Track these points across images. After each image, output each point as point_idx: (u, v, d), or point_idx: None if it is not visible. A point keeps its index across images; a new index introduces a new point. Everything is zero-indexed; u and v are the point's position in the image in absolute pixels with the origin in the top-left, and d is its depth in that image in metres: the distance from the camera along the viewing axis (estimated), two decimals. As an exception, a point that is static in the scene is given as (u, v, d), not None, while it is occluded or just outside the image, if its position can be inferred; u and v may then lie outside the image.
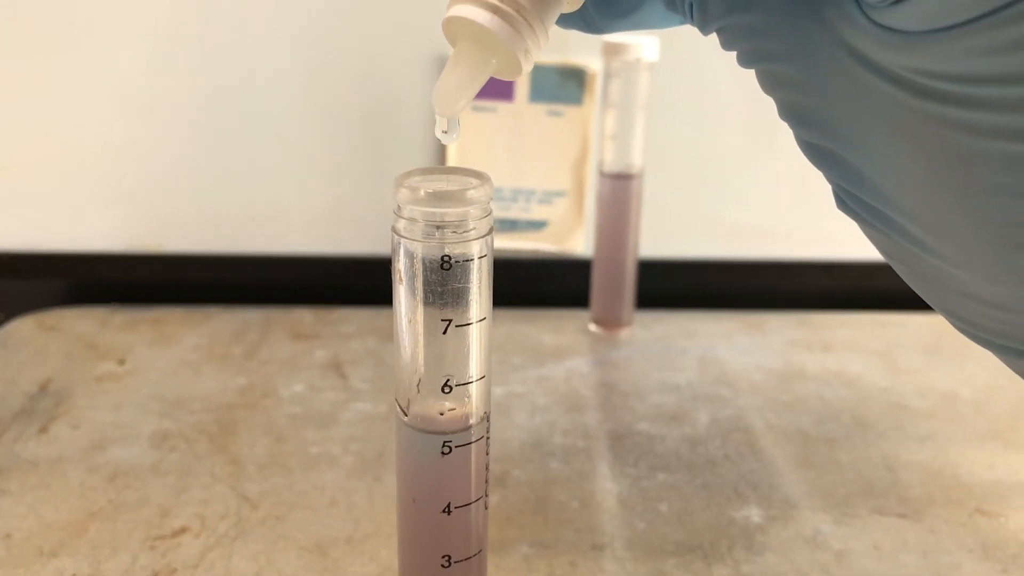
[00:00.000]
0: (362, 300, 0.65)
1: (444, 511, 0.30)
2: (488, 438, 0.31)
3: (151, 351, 0.58)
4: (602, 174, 0.59)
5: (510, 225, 0.66)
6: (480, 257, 0.28)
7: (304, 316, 0.63)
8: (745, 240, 0.67)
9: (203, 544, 0.41)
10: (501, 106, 0.64)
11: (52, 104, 0.62)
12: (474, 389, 0.30)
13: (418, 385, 0.29)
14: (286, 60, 0.62)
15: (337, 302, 0.65)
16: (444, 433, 0.30)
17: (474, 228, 0.28)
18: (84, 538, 0.41)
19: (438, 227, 0.27)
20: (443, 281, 0.28)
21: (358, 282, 0.65)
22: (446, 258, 0.28)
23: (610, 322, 0.61)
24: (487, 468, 0.31)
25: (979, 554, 0.42)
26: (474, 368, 0.29)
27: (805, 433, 0.51)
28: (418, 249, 0.28)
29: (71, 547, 0.41)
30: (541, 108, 0.64)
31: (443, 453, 0.30)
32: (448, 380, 0.29)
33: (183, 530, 0.42)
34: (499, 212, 0.66)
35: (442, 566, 0.31)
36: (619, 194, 0.58)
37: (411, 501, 0.31)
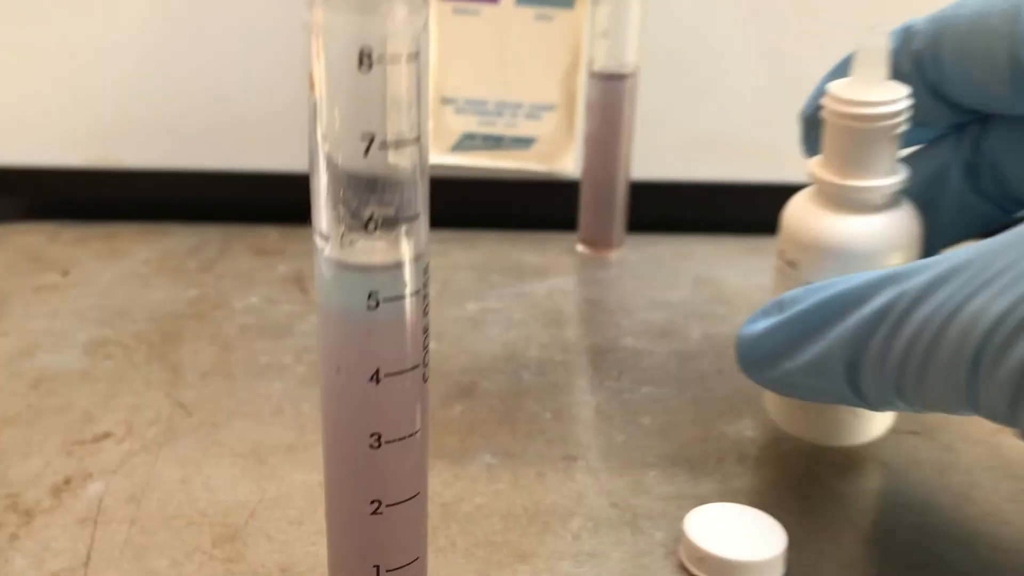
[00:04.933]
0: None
1: (372, 379, 0.26)
2: (426, 295, 0.26)
3: (98, 264, 0.54)
4: (592, 75, 0.54)
5: (494, 142, 0.61)
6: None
7: (269, 233, 0.58)
8: (750, 161, 0.62)
9: (126, 450, 0.37)
10: (485, 9, 0.59)
11: (2, 6, 0.57)
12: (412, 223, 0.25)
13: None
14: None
15: (307, 221, 0.60)
16: (373, 269, 0.25)
17: None
18: (-8, 440, 0.37)
19: None
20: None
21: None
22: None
23: (599, 242, 0.56)
24: (425, 333, 0.26)
25: (1001, 472, 0.37)
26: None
27: (808, 351, 0.46)
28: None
29: (-25, 448, 0.36)
30: (529, 12, 0.59)
31: (370, 307, 0.25)
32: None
33: (106, 435, 0.38)
34: (482, 127, 0.61)
35: (371, 447, 0.26)
36: (610, 97, 0.53)
37: (335, 370, 0.26)
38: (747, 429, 0.39)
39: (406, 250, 0.25)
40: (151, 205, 0.61)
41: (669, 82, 0.60)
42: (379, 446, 0.26)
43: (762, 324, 0.32)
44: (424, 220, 0.25)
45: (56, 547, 0.32)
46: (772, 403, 0.38)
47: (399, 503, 0.27)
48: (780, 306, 0.32)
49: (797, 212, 0.36)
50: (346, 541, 0.28)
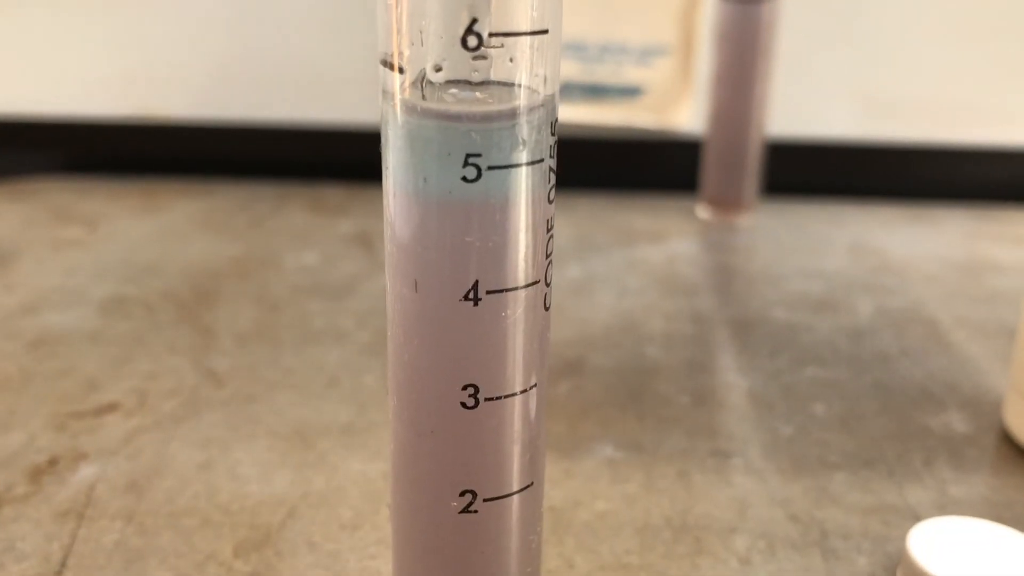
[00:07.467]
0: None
1: (467, 298, 0.16)
2: (552, 168, 0.17)
3: (131, 220, 0.45)
4: (722, -2, 0.44)
5: (597, 92, 0.52)
6: None
7: (331, 191, 0.50)
8: (905, 118, 0.51)
9: (133, 426, 0.28)
10: (590, -70, 0.50)
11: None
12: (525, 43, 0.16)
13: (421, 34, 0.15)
14: None
15: (375, 178, 0.52)
16: (472, 120, 0.16)
17: None
18: (-38, 407, 0.28)
19: None
20: None
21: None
22: None
23: (726, 204, 0.46)
24: (550, 231, 0.17)
25: None
26: None
27: (1011, 329, 0.36)
28: None
29: (-61, 416, 0.28)
30: (641, -65, 0.50)
31: (467, 179, 0.16)
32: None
33: (111, 407, 0.29)
34: (584, 75, 0.52)
35: (464, 405, 0.17)
36: (745, 25, 0.44)
37: (410, 286, 0.17)
38: (957, 423, 0.29)
39: (522, 94, 0.16)
40: (198, 161, 0.53)
41: (818, 18, 0.50)
42: (475, 405, 0.17)
43: None
44: (555, 44, 0.16)
45: (23, 548, 0.23)
46: (1016, 417, 0.28)
47: (502, 497, 0.18)
48: None
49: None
50: (422, 552, 0.19)
